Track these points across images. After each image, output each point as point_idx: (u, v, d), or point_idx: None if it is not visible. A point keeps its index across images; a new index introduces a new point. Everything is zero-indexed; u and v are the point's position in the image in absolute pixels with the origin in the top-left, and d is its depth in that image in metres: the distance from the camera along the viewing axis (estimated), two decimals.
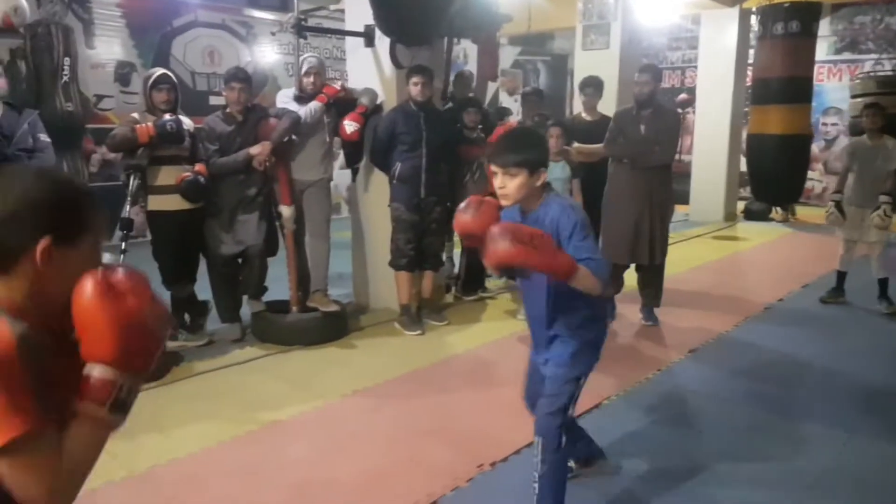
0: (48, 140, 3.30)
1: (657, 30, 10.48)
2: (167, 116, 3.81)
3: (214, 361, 3.92)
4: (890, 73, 9.40)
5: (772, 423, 3.22)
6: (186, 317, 4.20)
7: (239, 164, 4.03)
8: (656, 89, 4.41)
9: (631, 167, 4.43)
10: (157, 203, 3.92)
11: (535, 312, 2.27)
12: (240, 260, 4.25)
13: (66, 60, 3.59)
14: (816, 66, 11.16)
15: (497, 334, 4.50)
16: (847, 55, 11.44)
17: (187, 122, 3.98)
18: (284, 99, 4.34)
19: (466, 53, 9.65)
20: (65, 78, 3.58)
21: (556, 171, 4.62)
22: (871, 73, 9.67)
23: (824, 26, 11.16)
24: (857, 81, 9.40)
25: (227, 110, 4.11)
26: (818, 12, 7.00)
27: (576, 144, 4.97)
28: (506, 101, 11.02)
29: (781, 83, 7.09)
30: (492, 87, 9.50)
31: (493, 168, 2.09)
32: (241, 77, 4.06)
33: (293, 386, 3.61)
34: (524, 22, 8.95)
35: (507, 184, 2.05)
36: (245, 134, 4.07)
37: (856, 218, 4.89)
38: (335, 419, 3.23)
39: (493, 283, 5.54)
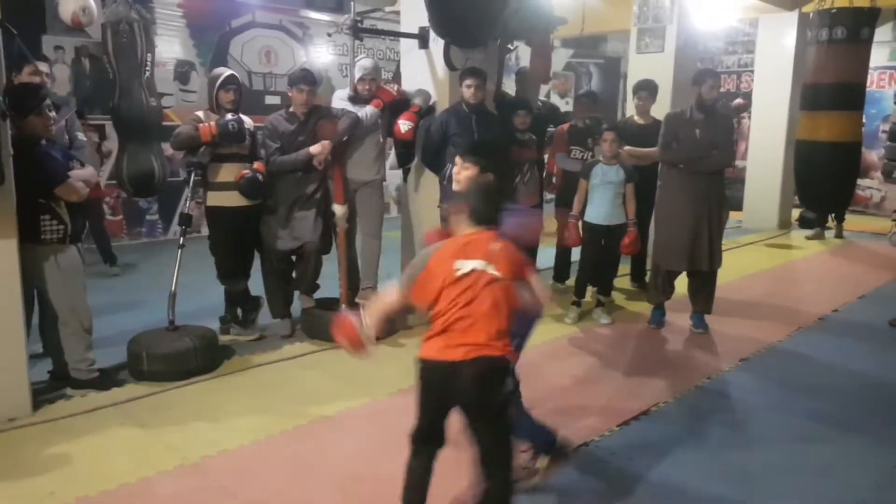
0: (85, 139, 3.48)
1: (713, 33, 10.25)
2: (229, 116, 3.93)
3: (265, 356, 4.01)
4: None
5: (824, 437, 3.14)
6: (239, 311, 4.31)
7: (299, 163, 4.12)
8: (702, 93, 4.35)
9: (687, 172, 4.36)
10: (216, 199, 4.03)
11: None
12: (293, 257, 4.34)
13: (149, 56, 3.72)
14: (877, 73, 10.80)
15: (541, 338, 4.46)
16: None
17: (248, 122, 4.10)
18: (339, 100, 4.41)
19: (518, 55, 9.61)
20: (147, 73, 3.70)
21: (611, 175, 4.59)
22: None
23: (886, 31, 10.75)
24: None
25: (291, 109, 4.21)
26: (872, 17, 6.73)
27: (627, 148, 4.92)
28: (557, 103, 10.94)
29: (828, 89, 6.85)
30: (543, 89, 9.45)
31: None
32: (310, 80, 4.16)
33: (341, 382, 3.67)
34: (578, 24, 8.86)
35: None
36: (306, 133, 4.16)
37: None
38: (382, 416, 3.27)
39: None
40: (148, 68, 3.68)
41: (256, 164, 4.03)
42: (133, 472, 2.74)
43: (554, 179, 5.19)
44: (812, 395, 3.61)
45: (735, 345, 4.35)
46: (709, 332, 4.56)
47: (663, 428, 3.21)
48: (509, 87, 6.39)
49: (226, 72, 4.07)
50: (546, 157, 5.69)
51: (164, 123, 6.93)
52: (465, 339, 2.06)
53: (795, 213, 8.91)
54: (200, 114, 4.01)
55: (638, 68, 6.73)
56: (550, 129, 5.64)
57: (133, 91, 3.64)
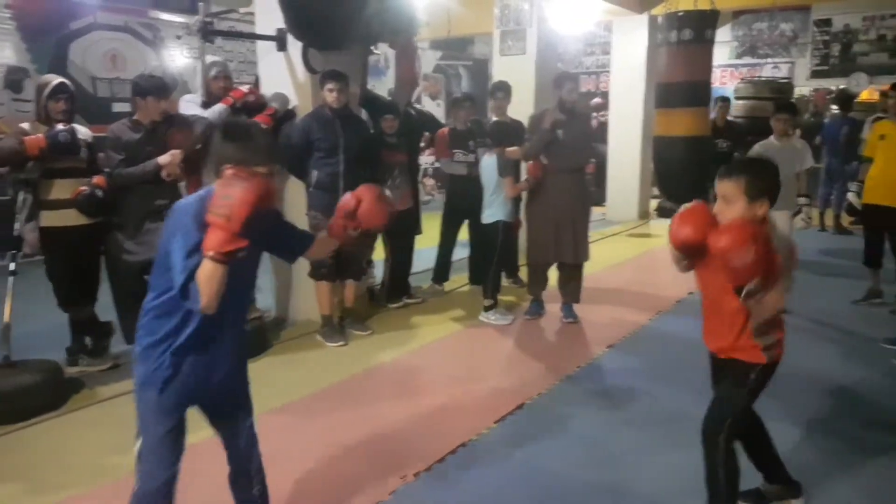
0: None
1: (573, 36, 10.72)
2: (60, 126, 3.57)
3: (120, 386, 3.68)
4: (770, 79, 9.97)
5: (688, 414, 3.28)
6: (88, 340, 3.95)
7: (147, 175, 3.80)
8: (563, 96, 4.51)
9: (551, 171, 4.51)
10: (50, 219, 3.65)
11: None
12: (146, 276, 4.01)
13: None
14: (720, 70, 11.79)
15: (422, 341, 4.46)
16: (747, 59, 12.12)
17: (83, 132, 3.75)
18: (189, 105, 4.16)
19: (387, 58, 9.58)
20: None
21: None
22: (760, 77, 10.24)
23: (726, 32, 11.77)
24: (742, 85, 9.94)
25: (135, 117, 3.89)
26: (714, 19, 7.34)
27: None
28: (428, 105, 11.03)
29: (679, 88, 7.39)
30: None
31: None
32: (167, 88, 3.88)
33: None
34: (444, 26, 8.98)
35: None
36: (154, 142, 3.85)
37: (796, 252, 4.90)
38: None
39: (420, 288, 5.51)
40: None
41: (96, 179, 3.68)
42: None
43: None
44: (674, 373, 3.82)
45: (603, 331, 4.54)
46: (579, 322, 4.73)
47: (538, 420, 3.28)
48: (381, 90, 6.35)
49: (55, 79, 3.70)
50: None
51: None
52: None
53: (654, 203, 9.51)
54: (26, 125, 3.62)
55: (502, 70, 6.89)
56: (427, 135, 5.63)
57: None
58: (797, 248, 2.22)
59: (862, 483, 2.71)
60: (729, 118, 8.31)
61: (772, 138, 4.95)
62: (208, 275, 1.74)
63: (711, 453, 2.22)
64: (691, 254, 2.13)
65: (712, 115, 7.83)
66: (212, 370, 1.98)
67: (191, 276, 1.75)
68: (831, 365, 3.96)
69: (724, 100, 7.94)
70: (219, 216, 1.71)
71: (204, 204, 1.78)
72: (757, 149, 5.00)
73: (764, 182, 2.08)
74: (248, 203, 1.71)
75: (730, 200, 2.05)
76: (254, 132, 1.97)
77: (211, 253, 1.72)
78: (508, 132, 4.75)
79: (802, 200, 4.79)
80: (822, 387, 3.66)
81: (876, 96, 8.80)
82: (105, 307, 4.01)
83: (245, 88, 4.31)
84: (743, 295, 2.00)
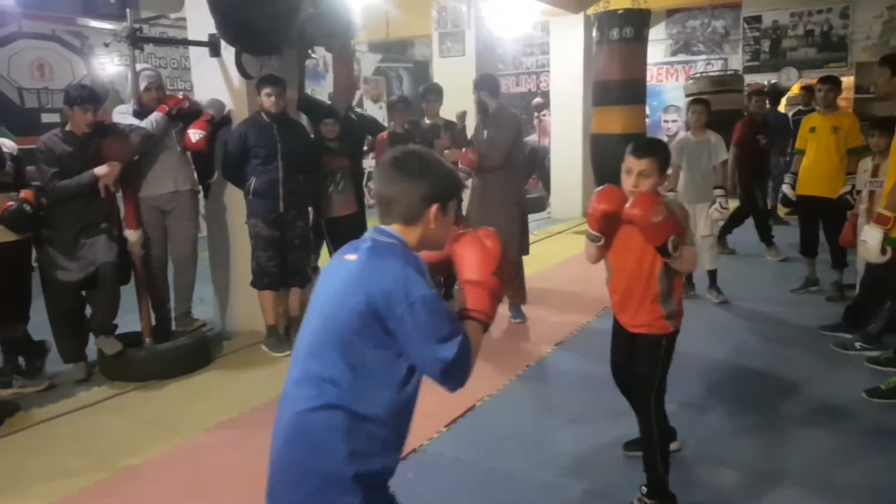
0: None
1: (512, 37, 10.83)
2: None
3: (57, 407, 3.56)
4: (719, 73, 10.28)
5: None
6: (21, 360, 3.79)
7: (84, 187, 3.69)
8: (481, 97, 4.54)
9: (485, 172, 4.56)
10: None
11: None
12: (84, 292, 3.88)
13: None
14: (656, 68, 12.10)
15: None
16: (682, 56, 12.45)
17: (8, 145, 3.62)
18: (123, 116, 4.05)
19: (326, 61, 9.49)
20: None
21: None
22: (704, 73, 10.54)
23: (661, 30, 12.07)
24: (691, 81, 10.20)
25: (67, 128, 3.75)
26: (647, 19, 7.53)
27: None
28: (370, 108, 10.98)
29: (617, 86, 7.55)
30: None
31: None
32: (96, 98, 3.77)
33: (148, 425, 3.35)
34: (382, 29, 8.95)
35: None
36: (89, 154, 3.73)
37: (689, 214, 5.06)
38: (196, 457, 3.02)
39: None
40: None
41: (23, 193, 3.55)
42: None
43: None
44: None
45: (550, 330, 4.60)
46: (526, 321, 4.78)
47: (488, 422, 3.30)
48: (321, 95, 6.27)
49: None
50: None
51: None
52: None
53: None
54: None
55: (443, 71, 6.92)
56: (369, 138, 5.59)
57: None
58: (689, 211, 2.62)
59: (805, 463, 2.82)
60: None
61: (688, 134, 5.14)
62: (479, 340, 1.49)
63: (645, 414, 2.48)
64: (608, 227, 2.39)
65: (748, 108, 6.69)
66: None
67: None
68: (771, 351, 4.11)
69: (760, 93, 7.01)
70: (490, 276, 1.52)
71: (415, 261, 1.45)
72: (674, 145, 5.19)
73: (668, 158, 2.48)
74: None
75: (648, 175, 2.35)
76: (431, 154, 1.60)
77: (483, 317, 1.51)
78: (428, 136, 4.80)
79: (717, 192, 4.92)
80: (762, 373, 3.80)
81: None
82: (39, 325, 3.86)
83: (180, 95, 4.23)
84: (670, 248, 2.24)
